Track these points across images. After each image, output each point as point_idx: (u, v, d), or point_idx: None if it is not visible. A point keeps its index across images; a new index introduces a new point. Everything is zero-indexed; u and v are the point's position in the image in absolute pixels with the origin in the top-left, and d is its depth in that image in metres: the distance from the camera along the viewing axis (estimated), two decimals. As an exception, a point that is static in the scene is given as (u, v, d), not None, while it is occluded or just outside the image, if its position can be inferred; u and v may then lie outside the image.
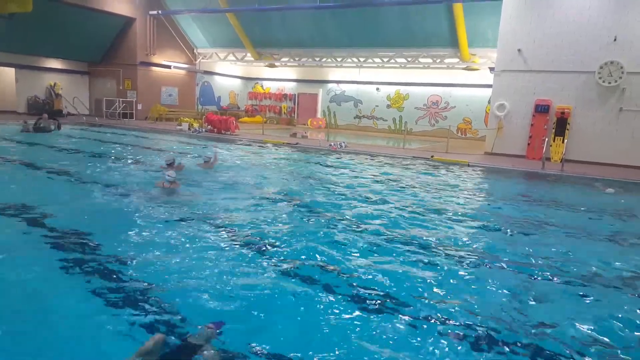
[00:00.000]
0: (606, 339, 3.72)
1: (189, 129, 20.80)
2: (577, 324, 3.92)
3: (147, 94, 26.17)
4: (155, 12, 24.97)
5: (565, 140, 15.13)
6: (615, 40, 14.49)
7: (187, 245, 5.34)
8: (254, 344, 3.40)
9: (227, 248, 5.37)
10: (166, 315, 3.73)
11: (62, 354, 3.28)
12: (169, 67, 26.90)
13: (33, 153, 12.65)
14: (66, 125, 19.78)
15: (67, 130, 18.31)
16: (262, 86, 32.34)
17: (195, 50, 28.82)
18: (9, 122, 18.46)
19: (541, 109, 15.68)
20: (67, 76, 26.40)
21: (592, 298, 4.58)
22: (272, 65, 29.20)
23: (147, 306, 3.86)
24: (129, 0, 24.40)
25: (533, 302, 4.39)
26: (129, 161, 11.87)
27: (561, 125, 15.40)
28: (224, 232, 5.96)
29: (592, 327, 3.89)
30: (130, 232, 5.71)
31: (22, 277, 4.32)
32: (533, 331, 3.80)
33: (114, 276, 4.42)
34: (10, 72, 24.45)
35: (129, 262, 4.77)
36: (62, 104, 25.47)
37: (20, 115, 22.24)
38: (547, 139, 15.21)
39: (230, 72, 31.52)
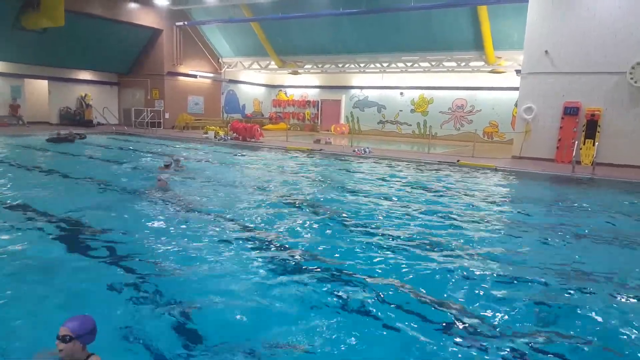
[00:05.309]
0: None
1: (214, 137, 21.10)
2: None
3: (174, 103, 26.70)
4: (181, 23, 25.53)
5: (596, 143, 14.72)
6: (647, 39, 14.06)
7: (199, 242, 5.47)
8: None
9: (242, 247, 5.43)
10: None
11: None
12: (195, 76, 27.42)
13: (61, 158, 13.08)
14: (97, 134, 20.35)
15: (97, 139, 18.87)
16: (285, 93, 32.58)
17: (220, 60, 29.28)
18: (37, 133, 19.10)
19: (570, 112, 15.31)
20: (97, 87, 27.18)
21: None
22: (295, 73, 29.41)
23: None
24: (156, 12, 25.00)
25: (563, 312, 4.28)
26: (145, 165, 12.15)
27: (591, 127, 15.00)
28: (244, 233, 6.03)
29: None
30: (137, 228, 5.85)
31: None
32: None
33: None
34: (43, 84, 25.33)
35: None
36: (93, 114, 26.19)
37: (52, 126, 22.99)
38: (577, 142, 14.84)
39: (254, 80, 31.89)
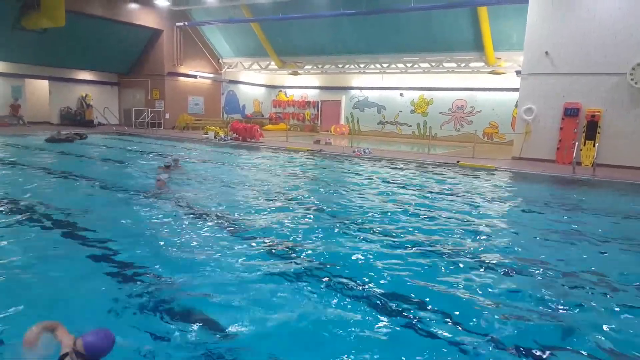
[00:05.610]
0: None
1: (215, 137, 21.11)
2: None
3: (174, 103, 26.73)
4: (181, 23, 25.57)
5: (597, 144, 14.71)
6: (648, 40, 14.05)
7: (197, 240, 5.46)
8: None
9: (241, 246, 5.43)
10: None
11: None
12: (195, 77, 27.44)
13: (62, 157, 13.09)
14: (97, 134, 20.37)
15: (97, 140, 18.87)
16: (285, 94, 32.59)
17: (220, 60, 29.30)
18: (38, 133, 19.14)
19: (570, 113, 15.30)
20: (98, 87, 27.21)
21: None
22: (295, 73, 29.43)
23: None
24: (156, 13, 25.03)
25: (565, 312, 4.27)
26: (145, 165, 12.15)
27: (592, 128, 14.99)
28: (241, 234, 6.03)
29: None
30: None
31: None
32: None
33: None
34: (44, 84, 25.37)
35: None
36: (93, 114, 26.22)
37: (52, 126, 23.03)
38: (577, 143, 14.83)
39: (254, 81, 31.92)
